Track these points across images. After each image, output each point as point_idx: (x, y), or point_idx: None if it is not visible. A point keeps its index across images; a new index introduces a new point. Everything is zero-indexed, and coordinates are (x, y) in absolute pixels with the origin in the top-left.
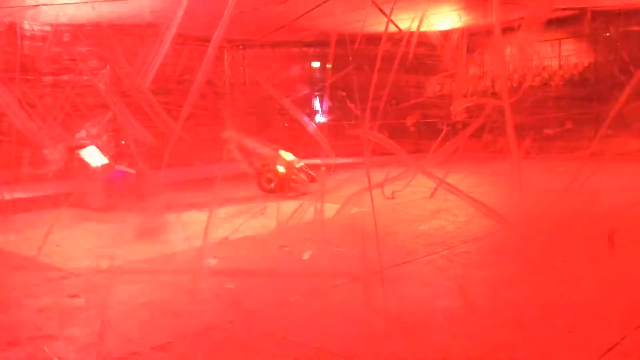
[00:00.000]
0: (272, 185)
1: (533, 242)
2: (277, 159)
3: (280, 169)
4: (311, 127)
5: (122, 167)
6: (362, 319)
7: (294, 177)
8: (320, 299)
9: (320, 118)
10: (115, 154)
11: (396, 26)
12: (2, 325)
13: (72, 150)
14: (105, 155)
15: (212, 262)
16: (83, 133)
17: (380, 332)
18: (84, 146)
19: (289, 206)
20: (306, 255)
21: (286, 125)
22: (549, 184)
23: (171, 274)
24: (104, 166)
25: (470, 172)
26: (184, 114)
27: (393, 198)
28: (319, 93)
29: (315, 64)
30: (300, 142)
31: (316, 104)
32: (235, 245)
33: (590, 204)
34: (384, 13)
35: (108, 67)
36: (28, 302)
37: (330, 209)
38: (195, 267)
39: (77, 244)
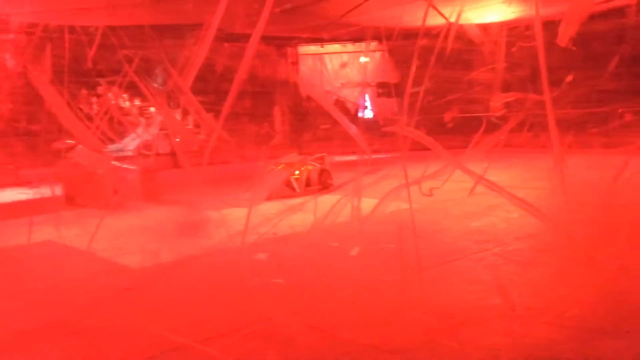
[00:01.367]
0: (302, 184)
1: (576, 239)
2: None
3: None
4: (352, 129)
5: (124, 165)
6: (411, 316)
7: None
8: (369, 295)
9: (368, 113)
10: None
11: (443, 16)
12: (62, 316)
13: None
14: (104, 155)
15: (262, 257)
16: (132, 136)
17: (429, 329)
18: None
19: (326, 202)
20: (354, 251)
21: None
22: (594, 179)
23: (220, 269)
24: (106, 166)
25: (511, 167)
26: (225, 113)
27: (430, 195)
28: (367, 89)
29: (364, 59)
30: (337, 140)
31: (365, 100)
32: (281, 241)
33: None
34: (432, 5)
35: (158, 69)
36: (86, 293)
37: (369, 203)
38: (244, 262)
39: (126, 239)
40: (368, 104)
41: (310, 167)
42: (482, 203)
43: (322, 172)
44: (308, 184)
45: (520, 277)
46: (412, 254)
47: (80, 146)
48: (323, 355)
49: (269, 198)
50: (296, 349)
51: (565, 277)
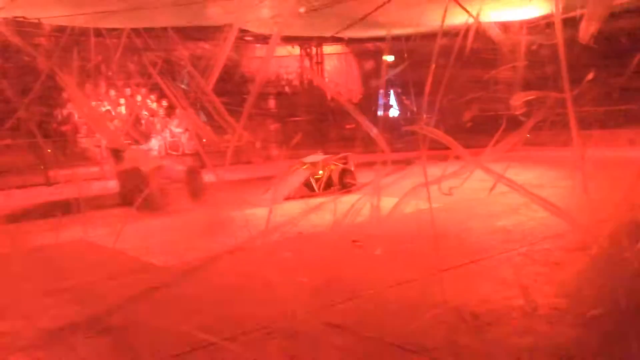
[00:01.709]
0: (322, 184)
1: (599, 239)
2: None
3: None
4: (373, 131)
5: (172, 165)
6: (434, 315)
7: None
8: (393, 294)
9: (394, 112)
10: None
11: (468, 13)
12: (92, 313)
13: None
14: (154, 156)
15: (285, 255)
16: (158, 137)
17: (452, 329)
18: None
19: (348, 202)
20: (378, 251)
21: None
22: (617, 177)
23: (244, 268)
24: (155, 167)
25: (535, 166)
26: (246, 113)
27: (450, 194)
28: (393, 88)
29: (389, 58)
30: (362, 140)
31: (390, 99)
32: (304, 239)
33: None
34: (456, 1)
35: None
36: (118, 291)
37: (389, 202)
38: (269, 261)
39: (155, 239)
40: (393, 102)
41: (333, 167)
42: (506, 202)
43: (345, 172)
44: (330, 183)
45: (546, 277)
46: (434, 253)
47: (133, 147)
48: (346, 353)
49: (288, 198)
50: (319, 347)
51: (591, 277)
